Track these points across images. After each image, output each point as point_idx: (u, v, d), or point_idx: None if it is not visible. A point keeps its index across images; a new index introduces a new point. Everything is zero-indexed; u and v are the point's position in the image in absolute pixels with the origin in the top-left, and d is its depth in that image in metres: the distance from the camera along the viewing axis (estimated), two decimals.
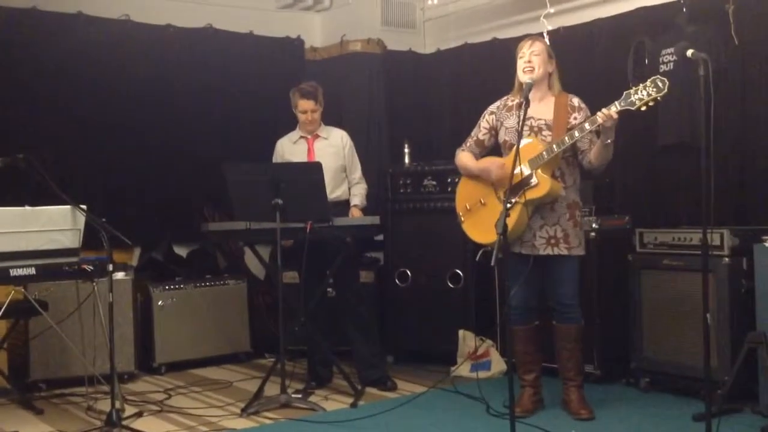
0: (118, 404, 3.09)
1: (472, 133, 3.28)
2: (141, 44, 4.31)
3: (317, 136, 3.77)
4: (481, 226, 3.09)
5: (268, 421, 3.18)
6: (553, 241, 3.07)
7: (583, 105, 3.13)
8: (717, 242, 3.15)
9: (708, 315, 2.58)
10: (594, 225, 3.55)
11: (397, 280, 4.20)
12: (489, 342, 3.91)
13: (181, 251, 4.50)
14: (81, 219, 3.11)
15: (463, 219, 3.21)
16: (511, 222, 2.90)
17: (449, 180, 4.03)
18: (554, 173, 3.06)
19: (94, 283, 3.23)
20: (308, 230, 3.34)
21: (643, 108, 2.84)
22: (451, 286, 4.07)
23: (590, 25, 4.02)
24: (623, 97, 2.85)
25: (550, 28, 3.94)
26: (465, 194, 3.22)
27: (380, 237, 4.28)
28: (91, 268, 3.15)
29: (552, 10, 4.00)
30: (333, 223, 3.45)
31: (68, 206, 3.09)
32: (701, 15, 3.54)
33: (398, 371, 3.92)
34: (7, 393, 3.60)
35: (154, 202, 4.35)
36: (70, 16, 4.13)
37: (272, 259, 4.17)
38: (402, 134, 4.57)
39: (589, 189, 3.51)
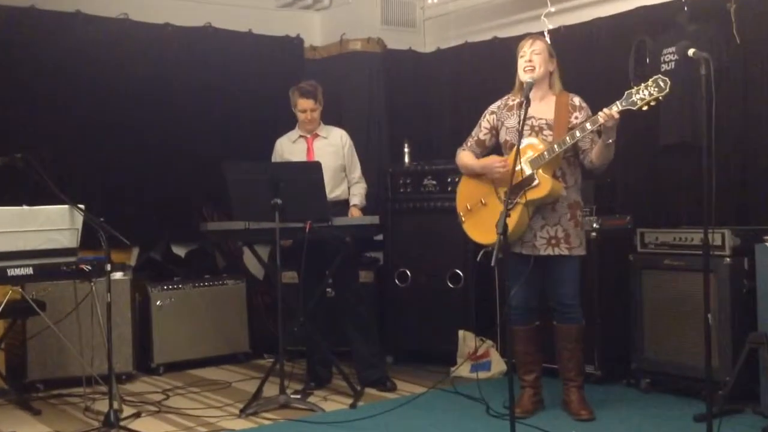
0: (116, 405, 3.09)
1: (473, 133, 3.27)
2: (140, 43, 4.29)
3: (317, 136, 3.76)
4: (482, 227, 3.08)
5: (266, 422, 3.17)
6: (554, 241, 3.06)
7: (584, 104, 3.12)
8: (718, 242, 3.14)
9: (709, 315, 2.58)
10: (595, 225, 3.54)
11: (396, 280, 4.19)
12: (489, 342, 3.90)
13: (180, 251, 4.49)
14: (79, 218, 3.10)
15: (463, 219, 3.20)
16: (511, 222, 2.90)
17: (449, 179, 4.02)
18: (555, 173, 3.05)
19: (92, 283, 3.24)
20: (307, 230, 3.33)
21: (645, 108, 2.84)
22: (451, 286, 4.06)
23: (591, 24, 4.01)
24: (624, 96, 2.85)
25: (550, 27, 3.94)
26: (465, 194, 3.21)
27: (380, 237, 4.27)
28: (89, 267, 3.14)
29: (552, 9, 3.99)
30: (332, 222, 3.44)
31: (66, 206, 3.09)
32: (702, 14, 3.53)
33: (398, 372, 3.92)
34: (4, 393, 3.59)
35: (153, 201, 4.34)
36: (69, 14, 4.11)
37: (271, 258, 4.15)
38: (402, 133, 4.56)
39: (590, 189, 3.50)
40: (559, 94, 3.10)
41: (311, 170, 3.36)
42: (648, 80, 2.82)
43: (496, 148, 3.25)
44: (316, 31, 5.02)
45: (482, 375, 3.71)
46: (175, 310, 4.14)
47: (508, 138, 3.14)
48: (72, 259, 3.11)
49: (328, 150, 3.73)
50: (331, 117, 3.92)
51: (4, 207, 2.99)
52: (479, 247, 3.34)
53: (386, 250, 4.27)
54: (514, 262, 3.04)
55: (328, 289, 3.80)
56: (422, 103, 4.87)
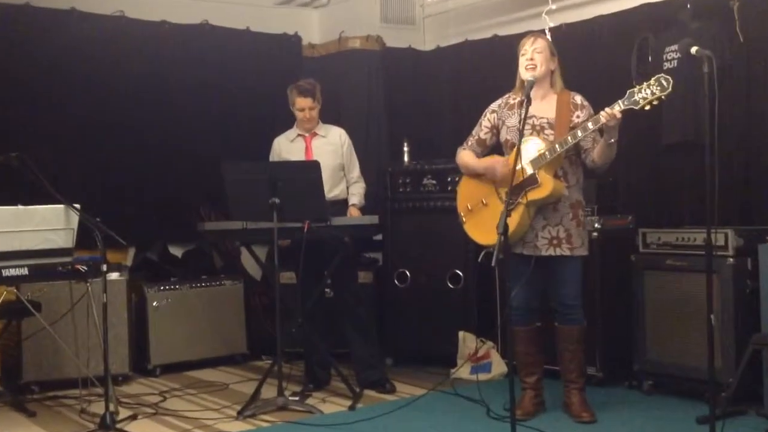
0: (112, 407, 3.07)
1: (473, 132, 3.25)
2: (135, 41, 4.27)
3: (315, 134, 3.74)
4: (483, 227, 3.06)
5: (264, 424, 3.16)
6: (555, 241, 3.04)
7: (585, 103, 3.10)
8: (721, 242, 3.14)
9: (712, 316, 2.58)
10: (596, 225, 3.53)
11: (396, 281, 4.17)
12: (489, 344, 3.88)
13: (177, 251, 4.48)
14: (74, 218, 3.09)
15: (464, 219, 3.18)
16: (512, 223, 2.89)
17: (449, 179, 4.01)
18: (557, 173, 3.03)
19: (88, 284, 3.22)
20: (306, 230, 3.31)
21: (647, 107, 2.83)
22: (451, 286, 4.04)
23: (592, 21, 3.99)
24: (627, 96, 2.84)
25: (551, 24, 3.94)
26: (466, 194, 3.20)
27: (379, 237, 4.25)
28: (85, 268, 3.13)
29: (554, 7, 3.99)
30: (331, 222, 3.42)
31: (62, 205, 3.08)
32: (705, 11, 3.52)
33: (397, 373, 3.90)
34: None
35: (150, 201, 4.32)
36: (64, 12, 4.09)
37: (269, 259, 4.12)
38: (401, 132, 4.54)
39: (591, 188, 3.49)
40: (561, 92, 3.09)
41: (309, 169, 3.35)
42: (650, 79, 2.81)
43: (496, 147, 3.23)
44: (314, 29, 5.00)
45: (482, 377, 3.69)
46: (172, 311, 4.12)
47: (508, 137, 3.12)
48: (68, 259, 3.10)
49: (327, 149, 3.71)
50: (329, 116, 3.90)
51: None
52: (480, 247, 3.32)
53: (385, 251, 4.26)
54: (515, 262, 3.02)
55: (327, 290, 3.78)
56: (422, 102, 4.85)
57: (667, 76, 2.77)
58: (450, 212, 3.50)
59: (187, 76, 4.40)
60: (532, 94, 2.93)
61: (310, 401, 3.43)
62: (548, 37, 3.30)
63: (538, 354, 3.18)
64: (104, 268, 3.06)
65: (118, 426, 3.07)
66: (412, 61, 4.86)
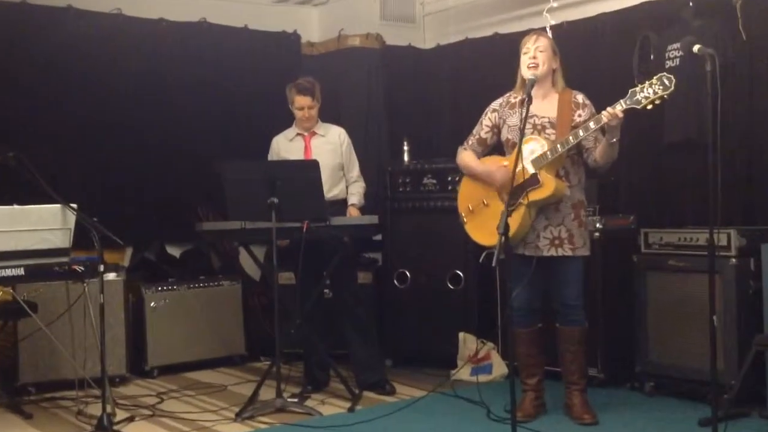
0: (109, 408, 3.06)
1: (474, 131, 3.23)
2: (133, 38, 4.24)
3: (314, 133, 3.73)
4: (484, 228, 3.05)
5: (263, 426, 3.15)
6: (557, 241, 3.03)
7: (587, 101, 3.09)
8: (724, 242, 3.13)
9: (714, 317, 2.57)
10: (598, 225, 3.51)
11: (396, 281, 4.16)
12: (490, 345, 3.87)
13: (175, 251, 4.46)
14: (71, 218, 3.08)
15: (465, 220, 3.17)
16: (514, 224, 2.88)
17: (450, 178, 4.00)
18: (558, 172, 3.02)
19: (85, 284, 3.21)
20: (305, 230, 3.30)
21: (649, 107, 2.82)
22: (452, 287, 4.03)
23: (594, 19, 3.98)
24: (629, 95, 2.82)
25: (553, 22, 3.93)
26: (467, 195, 3.18)
27: (379, 237, 4.24)
28: (82, 268, 3.12)
29: (555, 5, 3.97)
30: (330, 222, 3.41)
31: (58, 205, 3.07)
32: (708, 9, 3.51)
33: (397, 375, 3.88)
34: None
35: (150, 201, 4.29)
36: (60, 9, 4.06)
37: (268, 259, 4.13)
38: (401, 131, 4.53)
39: (593, 188, 3.47)
40: (562, 91, 3.07)
41: (308, 169, 3.33)
42: (653, 77, 2.79)
43: (497, 146, 3.21)
44: (313, 27, 4.98)
45: (483, 378, 3.68)
46: (170, 312, 4.10)
47: (509, 136, 3.10)
48: (64, 259, 3.08)
49: (326, 148, 3.69)
50: (328, 114, 3.88)
51: None
52: (480, 248, 3.31)
53: (385, 251, 4.24)
54: (517, 263, 3.00)
55: (326, 291, 3.77)
56: (422, 101, 4.84)
57: (670, 75, 2.76)
58: (450, 212, 3.49)
59: (185, 75, 4.37)
60: (534, 93, 2.91)
61: (309, 403, 3.42)
62: (549, 35, 3.28)
63: (539, 355, 3.17)
64: (101, 268, 3.05)
65: (115, 428, 3.06)
66: (412, 60, 4.84)
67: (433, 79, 4.81)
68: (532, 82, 2.91)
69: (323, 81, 3.79)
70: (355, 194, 3.72)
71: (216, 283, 4.28)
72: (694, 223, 3.44)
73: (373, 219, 3.60)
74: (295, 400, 3.39)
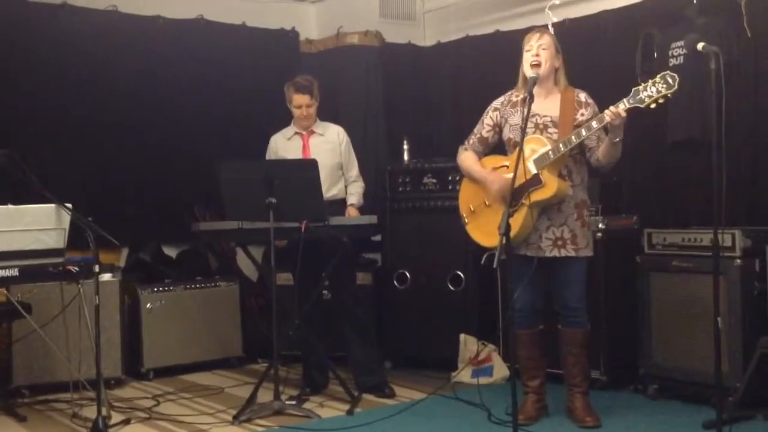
0: (104, 411, 3.03)
1: (475, 130, 3.21)
2: (129, 36, 4.21)
3: (312, 132, 3.70)
4: (485, 229, 3.02)
5: (260, 429, 3.14)
6: (560, 242, 3.00)
7: (590, 100, 3.07)
8: (728, 243, 3.11)
9: (719, 319, 2.57)
10: (601, 225, 3.49)
11: (395, 282, 4.14)
12: (491, 347, 3.85)
13: (171, 252, 4.44)
14: (66, 218, 3.06)
15: (467, 221, 3.15)
16: (515, 225, 2.86)
17: (450, 178, 3.97)
18: (561, 172, 3.00)
19: (80, 285, 3.19)
20: (303, 230, 3.27)
21: (653, 105, 2.80)
22: (452, 288, 4.00)
23: (597, 17, 3.97)
24: (632, 94, 2.81)
25: (555, 20, 3.93)
26: (469, 195, 3.16)
27: (378, 237, 4.22)
28: (77, 269, 3.10)
29: (557, 2, 3.97)
30: (329, 222, 3.38)
31: (53, 205, 3.04)
32: (712, 6, 3.49)
33: (396, 377, 3.86)
34: None
35: (148, 201, 4.27)
36: (54, 6, 4.03)
37: (265, 260, 4.11)
38: (401, 130, 4.51)
39: (596, 188, 3.46)
40: (565, 90, 3.05)
41: (307, 168, 3.31)
42: (656, 76, 2.77)
43: (499, 145, 3.19)
44: (312, 24, 4.96)
45: (484, 380, 3.67)
46: (166, 313, 4.08)
47: (511, 136, 3.08)
48: (59, 259, 3.06)
49: (325, 147, 3.67)
50: (327, 113, 3.86)
51: None
52: (481, 249, 3.28)
53: (384, 251, 4.22)
54: (519, 264, 2.98)
55: (325, 291, 3.75)
56: (422, 99, 4.83)
57: (673, 74, 2.74)
58: (451, 212, 3.47)
59: (182, 73, 4.35)
60: (536, 91, 2.89)
61: (307, 405, 3.40)
62: (552, 32, 3.26)
63: (540, 357, 3.15)
64: (96, 269, 3.02)
65: (111, 431, 3.03)
66: (411, 57, 4.83)
67: (433, 77, 4.80)
68: (534, 80, 2.89)
69: (321, 79, 3.77)
70: (354, 194, 3.70)
71: (213, 284, 4.26)
72: (698, 224, 3.42)
73: (372, 219, 3.58)
74: (294, 402, 3.37)
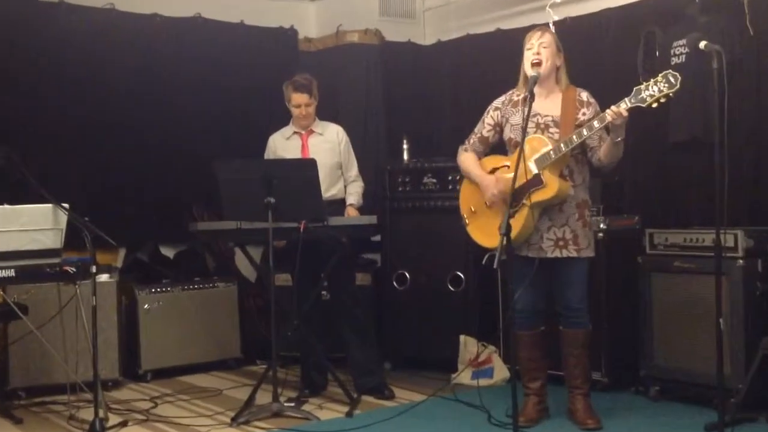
0: (101, 413, 3.02)
1: (476, 130, 3.19)
2: (126, 34, 4.19)
3: (312, 132, 3.69)
4: (486, 229, 3.01)
5: (259, 431, 3.12)
6: (561, 243, 2.99)
7: (592, 99, 3.05)
8: (731, 243, 3.10)
9: (721, 320, 2.60)
10: (602, 225, 3.48)
11: (395, 283, 4.12)
12: (491, 348, 3.83)
13: (169, 252, 4.42)
14: (63, 218, 3.05)
15: (467, 221, 3.13)
16: (516, 225, 2.85)
17: (450, 177, 3.96)
18: (562, 172, 2.98)
19: (77, 286, 3.17)
20: (302, 230, 3.26)
21: (655, 105, 2.78)
22: (452, 288, 3.99)
23: (598, 15, 3.96)
24: (633, 93, 2.79)
25: (556, 18, 3.90)
26: (469, 196, 3.14)
27: (377, 237, 4.20)
28: (74, 269, 3.09)
29: (558, 0, 3.92)
30: (328, 222, 3.37)
31: (49, 205, 3.03)
32: (714, 5, 3.47)
33: (396, 378, 3.85)
34: None
35: (146, 201, 4.24)
36: (51, 4, 4.01)
37: (264, 260, 4.09)
38: (401, 129, 4.50)
39: (597, 188, 3.46)
40: (566, 89, 3.03)
41: (306, 168, 3.29)
42: (658, 75, 2.76)
43: (500, 144, 3.17)
44: (311, 23, 4.94)
45: (484, 382, 3.66)
46: (164, 314, 4.06)
47: (512, 135, 3.06)
48: (56, 260, 3.05)
49: (324, 147, 3.65)
50: (326, 112, 3.85)
51: None
52: (482, 249, 3.26)
53: (384, 251, 4.21)
54: (519, 264, 2.96)
55: (324, 292, 3.73)
56: (422, 98, 4.81)
57: (675, 72, 2.73)
58: (451, 212, 3.46)
59: (181, 71, 4.33)
60: (537, 91, 2.87)
61: (306, 407, 3.38)
62: (552, 30, 3.24)
63: (541, 359, 3.14)
64: (93, 269, 3.01)
65: None
66: (411, 56, 4.81)
67: (433, 76, 4.79)
68: (535, 79, 2.88)
69: (321, 78, 3.76)
70: (354, 194, 3.69)
71: (211, 285, 4.24)
72: (700, 224, 3.40)
73: (371, 219, 3.56)
74: (292, 404, 3.35)
